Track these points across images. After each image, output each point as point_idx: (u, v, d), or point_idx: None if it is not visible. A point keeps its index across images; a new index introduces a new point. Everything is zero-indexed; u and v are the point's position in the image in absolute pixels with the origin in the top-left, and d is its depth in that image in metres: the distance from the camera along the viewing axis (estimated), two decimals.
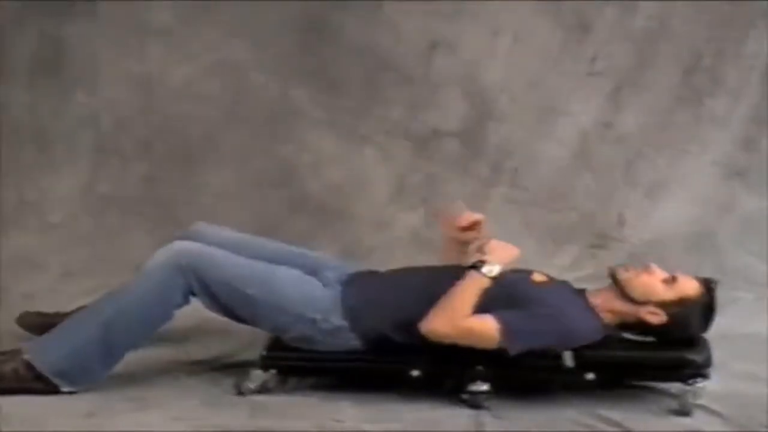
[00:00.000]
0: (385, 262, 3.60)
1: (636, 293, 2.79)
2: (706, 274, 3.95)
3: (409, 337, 2.78)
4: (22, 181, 4.31)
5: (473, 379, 2.77)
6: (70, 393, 2.80)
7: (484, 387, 2.76)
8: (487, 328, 2.68)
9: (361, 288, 2.91)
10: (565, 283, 2.97)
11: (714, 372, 3.04)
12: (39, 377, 2.79)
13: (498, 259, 2.78)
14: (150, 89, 4.42)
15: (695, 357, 2.78)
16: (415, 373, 2.79)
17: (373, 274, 3.03)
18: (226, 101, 4.43)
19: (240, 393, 2.86)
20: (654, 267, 2.83)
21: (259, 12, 4.40)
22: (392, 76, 4.44)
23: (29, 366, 2.79)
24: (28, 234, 4.18)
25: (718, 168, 4.33)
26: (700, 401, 2.79)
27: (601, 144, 4.39)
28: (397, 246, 4.24)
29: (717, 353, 3.17)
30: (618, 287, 2.82)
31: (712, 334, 3.38)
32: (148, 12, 4.41)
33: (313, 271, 2.96)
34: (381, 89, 4.44)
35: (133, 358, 3.06)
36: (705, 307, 2.82)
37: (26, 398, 2.77)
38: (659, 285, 2.79)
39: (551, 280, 2.95)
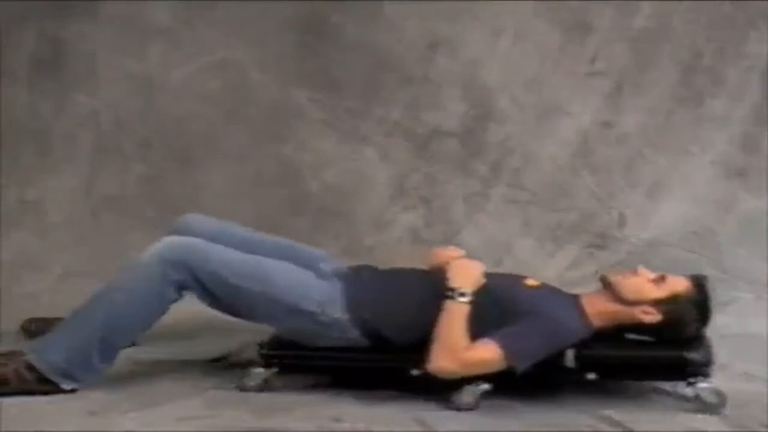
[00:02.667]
0: (385, 262, 3.60)
1: (627, 294, 2.82)
2: (707, 274, 3.97)
3: (407, 339, 2.79)
4: (22, 181, 4.31)
5: (475, 379, 2.77)
6: (72, 391, 2.80)
7: (485, 387, 2.77)
8: (491, 355, 2.70)
9: (364, 282, 2.91)
10: (556, 289, 2.99)
11: (714, 372, 3.05)
12: (41, 378, 2.79)
13: (463, 282, 2.80)
14: (150, 89, 4.42)
15: (695, 356, 2.77)
16: (415, 372, 2.79)
17: (373, 269, 3.03)
18: (226, 101, 4.43)
19: (242, 390, 2.86)
20: (642, 269, 2.87)
21: (259, 12, 4.40)
22: (392, 76, 4.44)
23: (30, 366, 2.79)
24: (28, 234, 4.18)
25: (718, 168, 4.34)
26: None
27: (601, 144, 4.39)
28: (397, 246, 4.24)
29: (717, 353, 3.19)
30: (609, 290, 2.85)
31: (711, 334, 3.40)
32: (148, 12, 4.42)
33: (305, 264, 2.94)
34: (381, 89, 4.45)
35: (134, 358, 3.07)
36: (698, 303, 2.83)
37: (27, 398, 2.77)
38: (649, 284, 2.82)
39: (543, 284, 2.97)
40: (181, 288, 2.82)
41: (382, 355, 2.84)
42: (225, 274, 2.80)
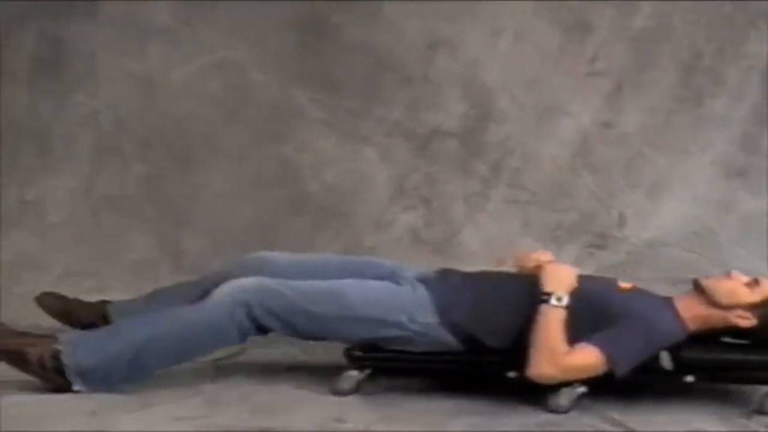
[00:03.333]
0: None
1: (722, 299, 2.82)
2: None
3: (502, 342, 2.80)
4: (22, 181, 4.31)
5: (571, 383, 2.76)
6: (77, 392, 2.80)
7: (582, 389, 2.76)
8: (591, 359, 2.71)
9: (453, 286, 2.91)
10: (648, 291, 2.98)
11: None
12: (59, 370, 2.78)
13: (558, 286, 2.79)
14: (150, 89, 4.42)
15: None
16: (512, 374, 2.78)
17: (460, 273, 3.01)
18: (226, 101, 4.43)
19: (335, 394, 2.85)
20: (735, 272, 2.87)
21: (259, 12, 4.40)
22: (392, 76, 4.44)
23: (55, 356, 2.78)
24: (28, 234, 4.18)
25: (718, 168, 4.34)
26: (699, 401, 2.81)
27: (601, 144, 4.39)
28: (397, 246, 4.24)
29: None
30: (703, 294, 2.84)
31: None
32: (148, 12, 4.41)
33: (383, 275, 2.95)
34: (381, 89, 4.44)
35: None
36: None
37: (27, 397, 2.77)
38: (744, 288, 2.82)
39: (634, 287, 2.96)
40: (247, 333, 2.82)
41: (477, 357, 2.83)
42: (302, 306, 2.80)
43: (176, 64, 4.43)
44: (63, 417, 2.66)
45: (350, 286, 2.87)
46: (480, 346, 2.82)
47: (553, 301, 2.75)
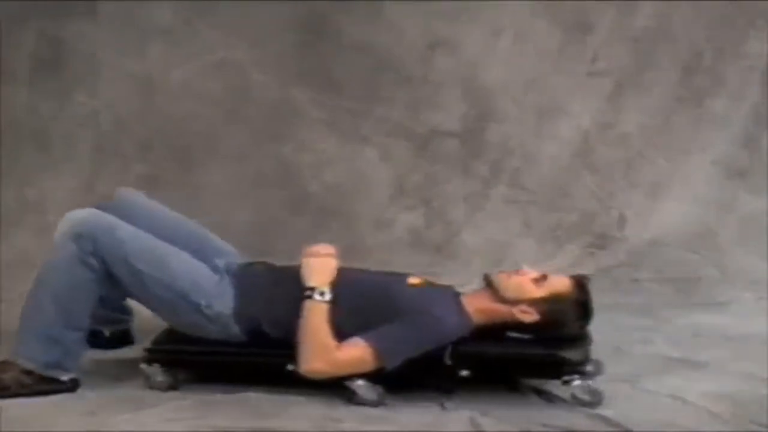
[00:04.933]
0: (385, 262, 3.62)
1: (508, 293, 2.83)
2: (707, 274, 3.97)
3: (283, 334, 2.81)
4: (22, 181, 4.31)
5: (350, 377, 2.77)
6: (72, 382, 2.82)
7: (360, 382, 2.77)
8: (360, 354, 2.73)
9: (252, 279, 2.93)
10: (440, 287, 2.99)
11: (714, 372, 3.05)
12: (40, 378, 2.80)
13: (317, 280, 2.81)
14: (150, 89, 4.42)
15: (570, 355, 2.78)
16: (290, 367, 2.78)
17: (265, 266, 3.03)
18: (226, 101, 4.43)
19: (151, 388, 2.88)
20: (525, 268, 2.88)
21: (259, 12, 4.40)
22: (392, 76, 4.44)
23: (24, 371, 2.80)
24: (28, 234, 4.18)
25: (718, 168, 4.34)
26: (699, 401, 2.80)
27: (601, 144, 4.39)
28: (397, 246, 4.24)
29: (717, 353, 3.19)
30: (491, 289, 2.85)
31: (712, 334, 3.40)
32: (148, 12, 4.42)
33: (204, 256, 2.95)
34: (381, 89, 4.44)
35: (130, 358, 3.07)
36: (578, 303, 2.84)
37: (26, 398, 2.77)
38: (530, 284, 2.83)
39: (426, 282, 2.97)
40: (93, 261, 2.81)
41: (259, 350, 2.86)
42: (126, 254, 2.81)
43: (176, 64, 4.43)
44: (61, 417, 2.67)
45: (175, 255, 2.88)
46: (266, 338, 2.84)
47: (317, 296, 2.78)
